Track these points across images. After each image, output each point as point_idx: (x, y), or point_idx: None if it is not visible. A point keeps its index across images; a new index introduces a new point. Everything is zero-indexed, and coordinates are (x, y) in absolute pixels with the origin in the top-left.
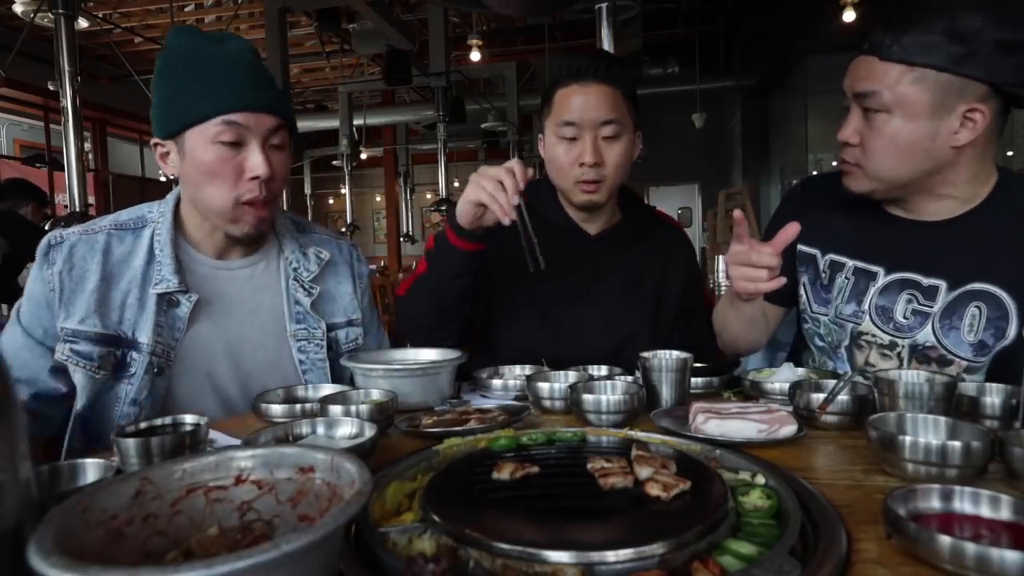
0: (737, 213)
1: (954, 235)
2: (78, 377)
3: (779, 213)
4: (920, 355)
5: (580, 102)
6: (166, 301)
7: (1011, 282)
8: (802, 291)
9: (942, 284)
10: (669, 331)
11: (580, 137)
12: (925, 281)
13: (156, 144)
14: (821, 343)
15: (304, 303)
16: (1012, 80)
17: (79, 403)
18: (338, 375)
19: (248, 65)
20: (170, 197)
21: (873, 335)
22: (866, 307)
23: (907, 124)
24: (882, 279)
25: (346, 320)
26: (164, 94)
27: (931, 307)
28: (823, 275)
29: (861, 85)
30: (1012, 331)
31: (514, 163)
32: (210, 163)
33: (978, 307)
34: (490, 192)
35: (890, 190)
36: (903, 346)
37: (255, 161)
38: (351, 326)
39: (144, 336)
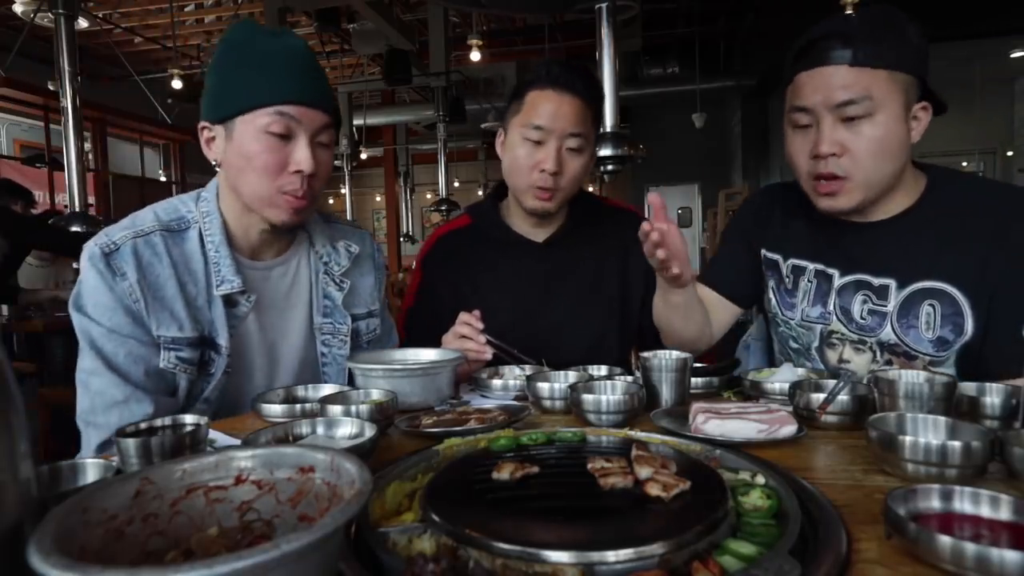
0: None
1: (897, 233)
2: (181, 382)
3: (738, 218)
4: (888, 349)
5: (553, 108)
6: (227, 302)
7: (959, 278)
8: (771, 295)
9: (891, 283)
10: (639, 320)
11: (545, 142)
12: (876, 281)
13: (204, 128)
14: (795, 344)
15: (335, 298)
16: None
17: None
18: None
19: (305, 59)
20: (209, 194)
21: (843, 334)
22: (831, 308)
23: (890, 124)
24: (838, 281)
25: (367, 312)
26: (217, 80)
27: (885, 306)
28: (787, 279)
29: (842, 94)
30: (970, 327)
31: (461, 317)
32: (257, 152)
33: (932, 305)
34: (461, 348)
35: (875, 197)
36: (871, 343)
37: (301, 156)
38: (371, 317)
39: (222, 339)
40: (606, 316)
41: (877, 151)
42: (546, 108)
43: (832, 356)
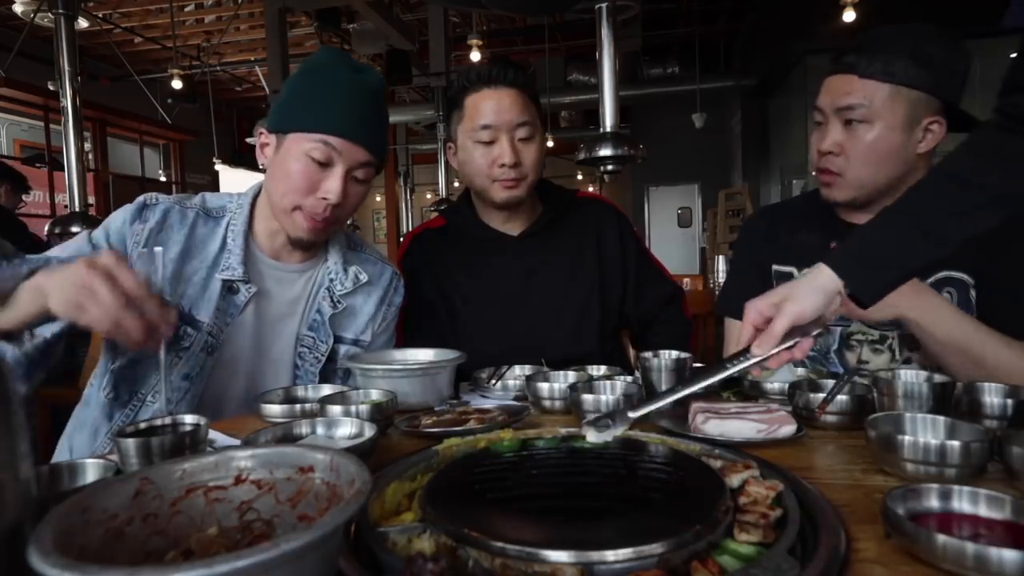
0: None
1: None
2: None
3: (743, 242)
4: (908, 342)
5: (494, 105)
6: (228, 287)
7: (976, 269)
8: None
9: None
10: (620, 306)
11: (497, 139)
12: None
13: (261, 132)
14: (811, 352)
15: (324, 313)
16: (955, 99)
17: (118, 361)
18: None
19: (369, 98)
20: (250, 191)
21: (864, 332)
22: None
23: (886, 133)
24: None
25: (353, 339)
26: (288, 94)
27: None
28: None
29: (845, 99)
30: (973, 311)
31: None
32: (295, 170)
33: (949, 292)
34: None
35: (868, 196)
36: (892, 337)
37: (332, 185)
38: (355, 345)
39: (205, 315)
40: (585, 303)
41: (869, 155)
42: (488, 106)
43: (851, 358)
